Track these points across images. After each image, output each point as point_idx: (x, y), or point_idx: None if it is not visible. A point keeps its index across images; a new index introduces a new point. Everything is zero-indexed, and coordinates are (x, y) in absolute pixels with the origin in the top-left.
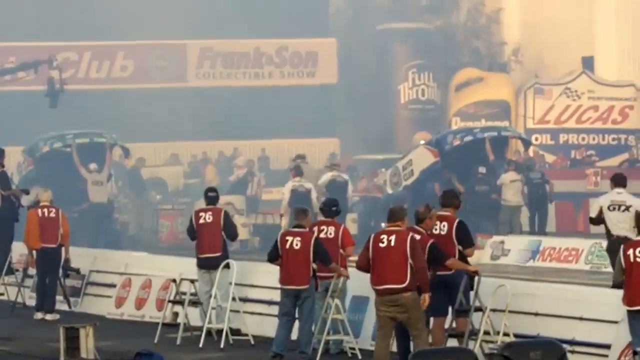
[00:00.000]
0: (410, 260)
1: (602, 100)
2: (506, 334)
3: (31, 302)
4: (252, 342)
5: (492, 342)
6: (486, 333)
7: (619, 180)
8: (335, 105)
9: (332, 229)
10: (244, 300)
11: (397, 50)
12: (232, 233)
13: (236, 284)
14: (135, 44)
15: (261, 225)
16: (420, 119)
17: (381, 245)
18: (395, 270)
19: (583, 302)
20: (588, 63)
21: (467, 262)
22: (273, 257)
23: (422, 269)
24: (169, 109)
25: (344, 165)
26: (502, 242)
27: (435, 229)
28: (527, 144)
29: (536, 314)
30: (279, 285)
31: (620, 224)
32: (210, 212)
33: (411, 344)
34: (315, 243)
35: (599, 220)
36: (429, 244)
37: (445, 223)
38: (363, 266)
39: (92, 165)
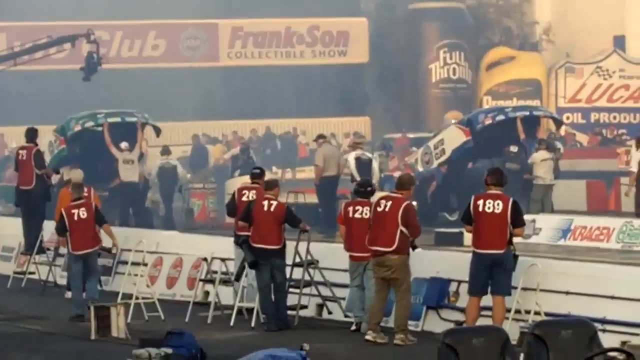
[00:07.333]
0: (401, 227)
1: (633, 79)
2: (537, 313)
3: (62, 281)
4: None
5: (523, 320)
6: (517, 312)
7: None
8: (366, 84)
9: (367, 209)
10: None
11: (428, 29)
12: None
13: None
14: (166, 23)
15: (292, 204)
16: (451, 98)
17: (378, 209)
18: (386, 234)
19: (614, 281)
20: (619, 42)
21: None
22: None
23: (416, 233)
24: (201, 88)
25: (376, 144)
26: (534, 221)
27: (489, 208)
28: (558, 123)
29: (567, 293)
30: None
31: None
32: (253, 191)
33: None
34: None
35: None
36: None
37: (499, 202)
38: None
39: (123, 144)
